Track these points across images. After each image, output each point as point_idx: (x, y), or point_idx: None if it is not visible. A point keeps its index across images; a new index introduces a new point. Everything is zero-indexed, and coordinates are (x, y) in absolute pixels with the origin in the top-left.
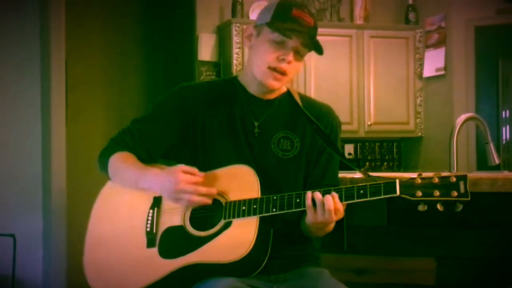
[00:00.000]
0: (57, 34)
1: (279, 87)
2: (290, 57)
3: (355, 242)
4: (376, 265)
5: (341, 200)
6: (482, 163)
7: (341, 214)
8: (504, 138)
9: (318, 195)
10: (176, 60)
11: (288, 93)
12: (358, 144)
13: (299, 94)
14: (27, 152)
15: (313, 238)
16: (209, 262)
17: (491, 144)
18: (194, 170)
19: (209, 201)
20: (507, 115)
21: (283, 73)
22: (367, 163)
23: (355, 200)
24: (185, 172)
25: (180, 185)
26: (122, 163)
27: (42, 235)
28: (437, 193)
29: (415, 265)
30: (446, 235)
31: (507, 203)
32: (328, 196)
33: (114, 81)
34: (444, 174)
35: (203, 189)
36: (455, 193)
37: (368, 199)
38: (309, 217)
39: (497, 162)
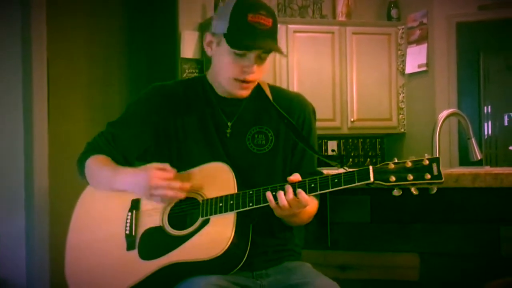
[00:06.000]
0: (38, 33)
1: (248, 94)
2: (254, 68)
3: (339, 238)
4: (359, 261)
5: (316, 190)
6: (464, 159)
7: (305, 203)
8: (485, 133)
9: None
10: (159, 58)
11: (258, 86)
12: (341, 141)
13: (269, 86)
14: (9, 152)
15: (294, 233)
16: (189, 260)
17: (473, 140)
18: (166, 165)
19: (182, 195)
20: (489, 110)
21: (249, 82)
22: (350, 160)
23: (330, 189)
24: (158, 169)
25: (153, 181)
26: (96, 165)
27: (25, 234)
28: (410, 177)
29: (398, 261)
30: (428, 231)
31: (489, 198)
32: (280, 192)
33: (96, 80)
34: (416, 158)
35: (177, 184)
36: (429, 176)
37: (343, 187)
38: (276, 212)
39: (479, 157)
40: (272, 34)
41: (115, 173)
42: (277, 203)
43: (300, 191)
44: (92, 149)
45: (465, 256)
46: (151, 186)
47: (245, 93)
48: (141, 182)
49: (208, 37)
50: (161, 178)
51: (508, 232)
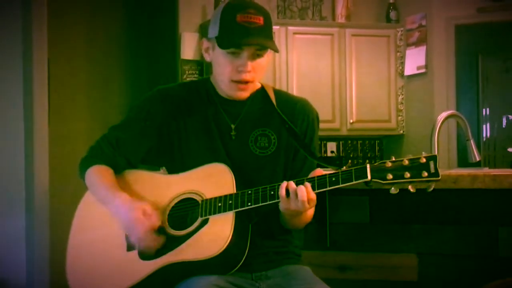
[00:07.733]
0: (39, 33)
1: (247, 95)
2: (248, 66)
3: (338, 239)
4: (358, 262)
5: (313, 189)
6: (463, 160)
7: (313, 203)
8: (484, 135)
9: (292, 184)
10: (159, 59)
11: (262, 89)
12: (341, 142)
13: (274, 90)
14: (10, 152)
15: (294, 234)
16: (188, 260)
17: (472, 141)
18: (153, 213)
19: (152, 251)
20: (487, 112)
21: (246, 82)
22: (349, 161)
23: (328, 188)
24: (145, 214)
25: (133, 225)
26: (96, 180)
27: (25, 234)
28: (407, 174)
29: (397, 261)
30: (427, 232)
31: (488, 199)
32: (301, 187)
33: (97, 81)
34: (414, 156)
35: (151, 238)
36: (426, 173)
37: (341, 185)
38: (282, 205)
39: (477, 159)
40: (264, 31)
41: (110, 197)
42: (288, 197)
43: (307, 184)
44: (95, 154)
45: (464, 257)
46: (129, 228)
47: (243, 94)
48: (125, 219)
49: (204, 43)
50: (142, 226)
51: (507, 233)
